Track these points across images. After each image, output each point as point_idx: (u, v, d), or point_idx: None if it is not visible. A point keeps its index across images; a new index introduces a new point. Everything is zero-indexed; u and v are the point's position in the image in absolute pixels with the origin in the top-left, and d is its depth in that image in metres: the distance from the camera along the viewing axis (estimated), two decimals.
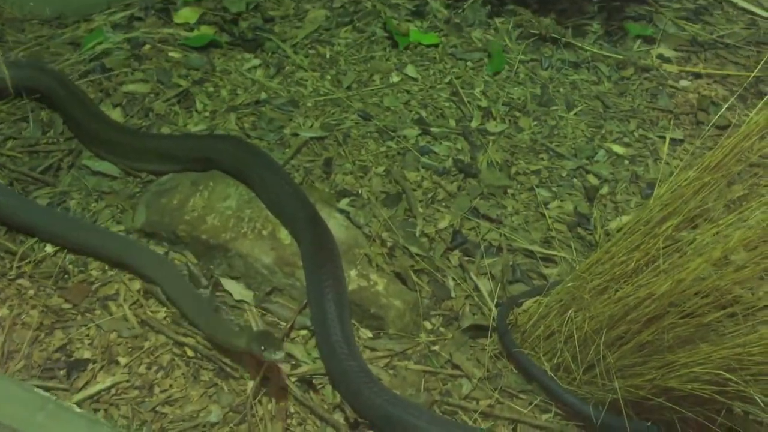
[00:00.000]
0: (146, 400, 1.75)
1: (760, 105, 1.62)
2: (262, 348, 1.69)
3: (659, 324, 1.64)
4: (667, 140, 2.66)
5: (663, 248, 1.65)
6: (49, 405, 1.47)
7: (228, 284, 1.98)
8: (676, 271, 1.61)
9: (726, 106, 2.84)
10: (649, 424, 1.74)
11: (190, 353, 1.85)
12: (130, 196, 2.22)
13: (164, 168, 2.24)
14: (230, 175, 2.18)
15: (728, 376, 1.50)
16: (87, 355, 1.82)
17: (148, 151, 2.25)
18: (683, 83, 3.01)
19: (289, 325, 1.91)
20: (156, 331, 1.88)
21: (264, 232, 2.05)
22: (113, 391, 1.76)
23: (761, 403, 1.45)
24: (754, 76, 2.96)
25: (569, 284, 1.83)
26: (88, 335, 1.86)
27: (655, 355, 1.66)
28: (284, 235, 2.05)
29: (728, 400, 1.54)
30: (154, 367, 1.81)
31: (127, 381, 1.78)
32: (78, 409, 1.61)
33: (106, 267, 2.01)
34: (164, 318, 1.91)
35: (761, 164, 2.31)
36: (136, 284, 1.98)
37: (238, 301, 1.96)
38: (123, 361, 1.81)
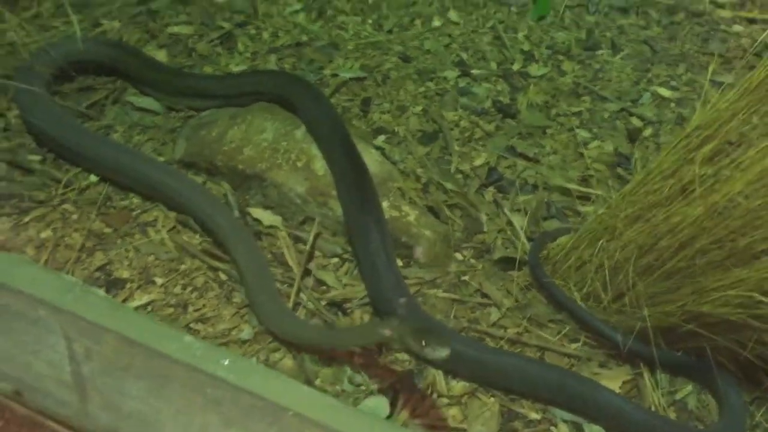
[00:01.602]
0: (180, 317, 1.80)
1: None
2: (423, 344, 1.42)
3: (691, 249, 1.60)
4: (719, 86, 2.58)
5: (699, 174, 1.61)
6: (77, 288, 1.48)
7: (257, 212, 2.01)
8: (710, 195, 1.57)
9: None
10: (679, 353, 1.71)
11: (223, 277, 1.89)
12: (171, 130, 2.27)
13: (215, 104, 2.29)
14: (278, 105, 2.21)
15: (761, 298, 1.46)
16: (126, 275, 1.88)
17: (204, 91, 2.31)
18: (736, 28, 2.91)
19: (309, 248, 1.93)
20: (191, 255, 1.93)
21: (299, 164, 2.07)
22: (149, 308, 1.81)
23: None
24: None
25: (601, 212, 1.80)
26: (127, 257, 1.92)
27: (687, 281, 1.62)
28: (319, 166, 2.07)
29: (763, 324, 1.50)
30: (189, 288, 1.86)
31: (163, 299, 1.83)
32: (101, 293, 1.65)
33: (146, 198, 2.07)
34: (199, 244, 1.96)
35: None
36: (174, 213, 2.03)
37: (268, 227, 1.99)
38: (159, 281, 1.87)
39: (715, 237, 1.57)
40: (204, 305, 1.83)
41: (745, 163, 1.56)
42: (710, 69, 2.62)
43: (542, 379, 1.66)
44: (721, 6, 3.02)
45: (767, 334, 1.56)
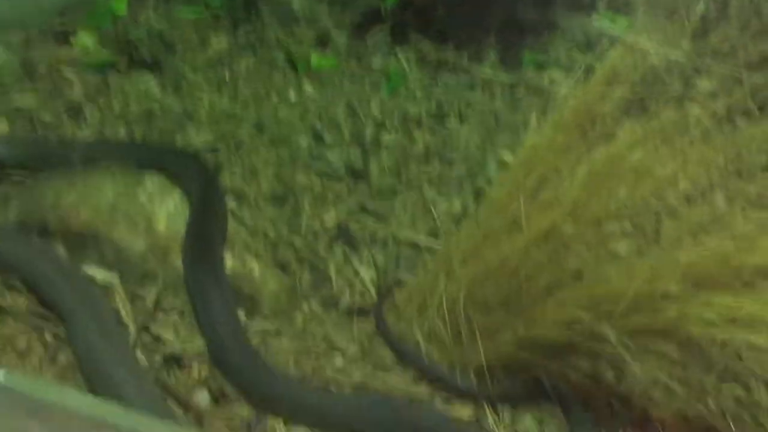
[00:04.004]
0: None
1: None
2: None
3: (519, 278, 1.65)
4: None
5: (524, 205, 1.68)
6: None
7: (91, 270, 1.92)
8: (535, 225, 1.64)
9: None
10: (517, 384, 1.72)
11: (48, 338, 1.78)
12: (4, 195, 2.17)
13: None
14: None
15: (583, 315, 1.50)
16: None
17: None
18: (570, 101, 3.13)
19: (150, 306, 1.85)
20: (14, 316, 1.81)
21: (139, 222, 2.01)
22: None
23: (612, 339, 1.45)
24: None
25: (438, 252, 1.84)
26: None
27: (518, 310, 1.66)
28: (161, 224, 2.02)
29: (586, 341, 1.54)
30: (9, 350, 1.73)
31: None
32: None
33: None
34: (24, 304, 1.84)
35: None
36: None
37: (103, 285, 1.90)
38: None
39: (539, 263, 1.63)
40: (25, 367, 1.70)
41: (563, 193, 1.65)
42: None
43: (391, 415, 1.64)
44: (558, 83, 3.26)
45: (593, 355, 1.60)
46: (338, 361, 1.83)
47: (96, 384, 1.63)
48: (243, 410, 1.67)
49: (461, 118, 2.93)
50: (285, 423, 1.65)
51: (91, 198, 2.05)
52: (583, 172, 1.60)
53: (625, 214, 1.67)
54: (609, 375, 1.77)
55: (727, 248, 1.37)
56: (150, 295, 1.88)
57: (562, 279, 1.61)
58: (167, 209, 2.06)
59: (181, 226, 2.02)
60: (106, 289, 1.91)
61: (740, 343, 1.56)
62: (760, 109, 2.81)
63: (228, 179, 2.39)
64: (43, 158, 2.25)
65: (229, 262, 1.96)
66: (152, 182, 2.12)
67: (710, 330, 1.42)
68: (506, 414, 1.72)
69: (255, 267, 1.98)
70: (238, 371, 1.69)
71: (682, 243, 1.56)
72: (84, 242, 1.98)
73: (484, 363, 1.68)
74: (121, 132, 2.54)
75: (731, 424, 1.49)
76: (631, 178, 1.62)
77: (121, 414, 0.87)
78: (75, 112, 2.61)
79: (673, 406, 1.63)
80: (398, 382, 1.79)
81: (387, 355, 1.86)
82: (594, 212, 1.57)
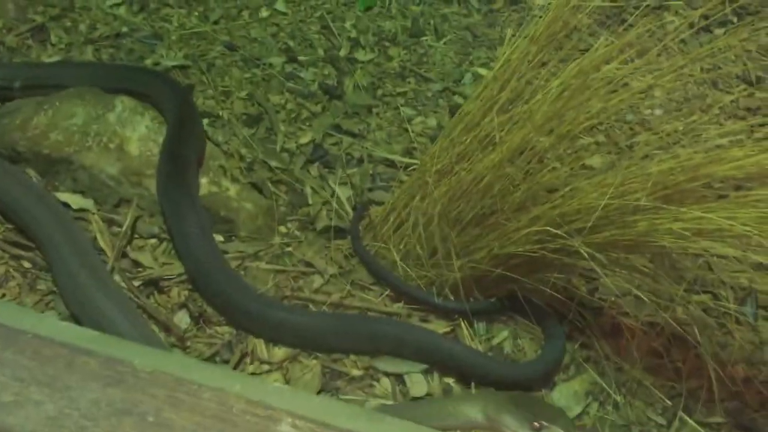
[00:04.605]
0: None
1: None
2: (536, 425, 1.05)
3: (493, 195, 1.65)
4: None
5: (498, 122, 1.67)
6: None
7: (65, 197, 1.90)
8: (508, 141, 1.63)
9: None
10: (493, 300, 1.76)
11: (27, 265, 1.77)
12: None
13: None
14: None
15: (556, 231, 1.52)
16: None
17: None
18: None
19: (127, 231, 1.84)
20: None
21: (111, 146, 1.98)
22: None
23: (585, 254, 1.48)
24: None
25: (413, 171, 1.83)
26: None
27: (492, 226, 1.67)
28: (133, 147, 2.00)
29: (558, 257, 1.56)
30: None
31: None
32: None
33: None
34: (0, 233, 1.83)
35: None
36: None
37: (78, 211, 1.89)
38: None
39: (512, 180, 1.63)
40: (4, 294, 1.71)
41: (535, 108, 1.64)
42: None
43: (369, 332, 1.67)
44: None
45: (566, 269, 1.63)
46: (316, 281, 1.85)
47: (77, 311, 1.65)
48: (224, 331, 1.70)
49: (437, 35, 2.88)
50: (265, 343, 1.68)
51: (60, 122, 2.01)
52: (557, 86, 1.58)
53: (599, 127, 1.67)
54: (582, 288, 1.81)
55: (696, 160, 1.38)
56: (126, 220, 1.87)
57: (535, 195, 1.62)
58: (139, 132, 2.03)
59: (154, 149, 1.99)
60: (82, 215, 1.89)
61: (709, 254, 1.59)
62: (738, 17, 2.78)
63: (200, 101, 2.35)
64: (9, 82, 2.19)
65: (205, 184, 1.95)
66: (123, 105, 2.08)
67: (679, 242, 1.44)
68: (482, 328, 1.76)
69: (231, 189, 1.97)
70: (218, 293, 1.71)
71: (654, 156, 1.56)
72: (56, 168, 1.96)
73: (458, 280, 1.70)
74: (89, 55, 2.48)
75: (696, 330, 1.54)
76: (605, 91, 1.61)
77: (97, 339, 0.88)
78: (40, 34, 2.53)
79: (642, 316, 1.68)
80: (376, 300, 1.82)
81: (365, 274, 1.88)
82: (568, 126, 1.57)
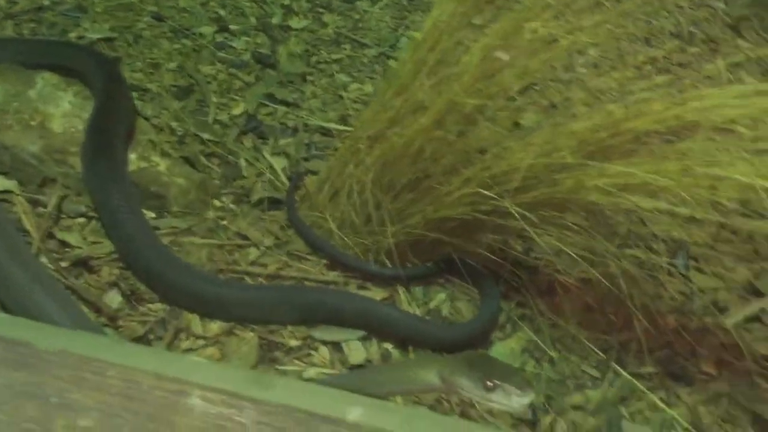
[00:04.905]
0: None
1: None
2: (489, 384, 1.03)
3: (424, 159, 1.64)
4: None
5: (427, 85, 1.65)
6: None
7: None
8: (436, 103, 1.62)
9: None
10: (429, 264, 1.76)
11: None
12: None
13: None
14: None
15: (486, 192, 1.52)
16: None
17: None
18: None
19: (53, 211, 1.79)
20: None
21: (32, 123, 1.91)
22: None
23: (516, 215, 1.48)
24: None
25: (345, 138, 1.81)
26: None
27: (425, 191, 1.67)
28: (56, 124, 1.93)
29: (490, 218, 1.56)
30: None
31: None
32: None
33: None
34: None
35: None
36: None
37: (1, 192, 1.83)
38: None
39: (443, 143, 1.62)
40: None
41: (463, 69, 1.62)
42: None
43: (309, 303, 1.66)
44: None
45: (501, 230, 1.63)
46: (252, 253, 1.82)
47: (2, 296, 1.59)
48: (157, 308, 1.66)
49: (371, 0, 2.84)
50: (200, 318, 1.65)
51: None
52: (482, 47, 1.57)
53: (535, 87, 1.67)
54: (518, 248, 1.82)
55: (618, 116, 1.39)
56: (51, 200, 1.82)
57: (467, 157, 1.61)
58: (62, 109, 1.96)
59: (79, 126, 1.93)
60: (5, 197, 1.83)
61: (636, 208, 1.61)
62: None
63: (128, 74, 2.28)
64: None
65: (134, 160, 1.90)
66: (44, 81, 2.00)
67: (609, 198, 1.45)
68: (419, 293, 1.76)
69: (161, 164, 1.92)
70: (148, 269, 1.67)
71: (579, 113, 1.57)
72: None
73: (393, 246, 1.69)
74: (9, 30, 2.38)
75: (626, 284, 1.56)
76: (536, 49, 1.60)
77: (1, 322, 0.85)
78: None
79: (576, 273, 1.70)
80: (313, 270, 1.80)
81: (302, 244, 1.86)
82: (496, 87, 1.56)
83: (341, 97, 2.36)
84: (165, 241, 1.81)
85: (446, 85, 1.61)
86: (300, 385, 0.86)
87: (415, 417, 0.84)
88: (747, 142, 1.29)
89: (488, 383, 1.03)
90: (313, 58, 2.51)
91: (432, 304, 1.75)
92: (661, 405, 1.57)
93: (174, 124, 2.13)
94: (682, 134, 1.50)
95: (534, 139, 1.49)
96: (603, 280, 1.53)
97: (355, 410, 0.83)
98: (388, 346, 1.65)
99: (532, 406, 0.99)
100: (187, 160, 2.02)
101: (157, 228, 1.83)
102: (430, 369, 1.11)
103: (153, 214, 1.86)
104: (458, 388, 1.06)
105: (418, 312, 1.72)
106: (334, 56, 2.54)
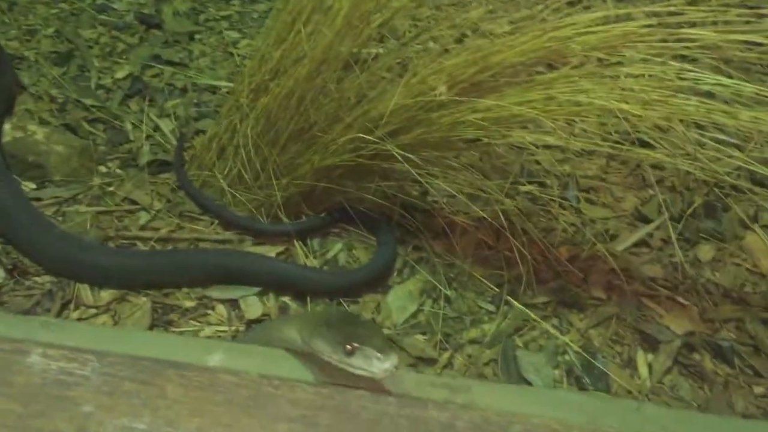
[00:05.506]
0: None
1: None
2: (348, 347, 0.99)
3: (306, 108, 1.62)
4: None
5: (304, 32, 1.62)
6: None
7: None
8: (314, 51, 1.59)
9: None
10: (322, 215, 1.75)
11: None
12: None
13: None
14: None
15: (366, 137, 1.51)
16: None
17: None
18: None
19: None
20: None
21: None
22: None
23: (398, 156, 1.48)
24: None
25: (227, 92, 1.77)
26: None
27: (311, 141, 1.65)
28: None
29: (375, 161, 1.56)
30: None
31: None
32: None
33: None
34: None
35: None
36: None
37: None
38: None
39: (323, 91, 1.61)
40: None
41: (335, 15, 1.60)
42: None
43: (198, 265, 1.63)
44: None
45: (396, 175, 1.63)
46: (143, 217, 1.78)
47: None
48: (44, 280, 1.61)
49: None
50: (90, 287, 1.61)
51: None
52: None
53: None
54: (413, 193, 1.83)
55: (485, 51, 1.39)
56: None
57: (346, 103, 1.60)
58: None
59: None
60: None
61: (530, 144, 1.64)
62: None
63: (3, 43, 2.17)
64: None
65: (9, 130, 1.82)
66: None
67: (489, 133, 1.46)
68: (315, 244, 1.76)
69: (39, 132, 1.84)
70: (29, 241, 1.61)
71: (451, 50, 1.56)
72: None
73: (282, 199, 1.68)
74: None
75: (521, 219, 1.59)
76: None
77: None
78: None
79: (472, 213, 1.71)
80: (207, 230, 1.77)
81: (193, 206, 1.83)
82: (370, 30, 1.55)
83: (231, 54, 2.30)
84: (49, 211, 1.75)
85: (321, 33, 1.58)
86: (156, 336, 0.84)
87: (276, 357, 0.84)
88: (606, 67, 1.32)
89: (348, 347, 0.99)
90: (201, 16, 2.44)
91: (329, 255, 1.74)
92: (554, 332, 1.62)
93: (54, 92, 2.04)
94: (544, 64, 1.52)
95: (408, 79, 1.48)
96: (497, 218, 1.55)
97: (215, 357, 0.83)
98: (286, 298, 1.65)
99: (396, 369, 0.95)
100: (69, 127, 1.95)
101: (39, 199, 1.76)
102: (292, 329, 1.08)
103: (33, 185, 1.80)
104: (317, 352, 1.02)
105: (315, 263, 1.71)
106: (223, 13, 2.47)
